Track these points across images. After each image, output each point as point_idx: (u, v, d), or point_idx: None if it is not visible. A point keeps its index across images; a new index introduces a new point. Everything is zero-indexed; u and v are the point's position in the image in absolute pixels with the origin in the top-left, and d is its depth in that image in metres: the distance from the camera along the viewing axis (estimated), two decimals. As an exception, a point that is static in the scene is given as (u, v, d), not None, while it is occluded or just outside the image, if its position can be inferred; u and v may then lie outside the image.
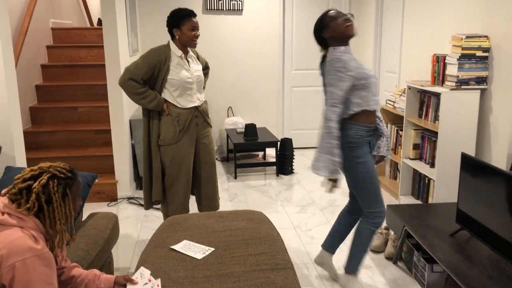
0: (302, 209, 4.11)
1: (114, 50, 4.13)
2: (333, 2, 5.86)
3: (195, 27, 2.99)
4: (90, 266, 2.27)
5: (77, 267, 1.93)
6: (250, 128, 5.06)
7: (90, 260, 2.27)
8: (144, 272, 1.99)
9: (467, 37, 3.25)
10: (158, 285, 1.92)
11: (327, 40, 2.57)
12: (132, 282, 1.91)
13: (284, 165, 5.10)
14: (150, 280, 1.94)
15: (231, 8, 5.64)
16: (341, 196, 4.41)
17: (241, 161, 5.43)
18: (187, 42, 3.00)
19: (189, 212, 3.19)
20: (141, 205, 4.23)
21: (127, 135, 4.37)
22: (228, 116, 5.94)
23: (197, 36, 3.01)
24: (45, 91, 5.01)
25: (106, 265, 2.58)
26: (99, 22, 6.87)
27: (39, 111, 4.81)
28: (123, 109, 4.25)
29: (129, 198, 4.38)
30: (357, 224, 2.73)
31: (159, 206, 4.10)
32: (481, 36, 3.26)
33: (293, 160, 5.19)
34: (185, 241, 2.33)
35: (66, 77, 5.27)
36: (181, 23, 2.96)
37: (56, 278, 1.64)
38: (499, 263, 2.40)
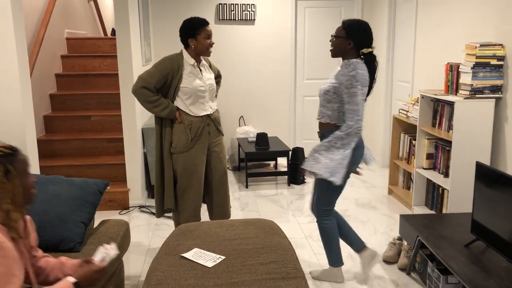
0: (313, 219, 4.08)
1: (127, 59, 4.17)
2: (345, 12, 5.86)
3: (210, 36, 3.02)
4: (101, 273, 2.27)
5: (46, 257, 1.92)
6: (262, 137, 5.05)
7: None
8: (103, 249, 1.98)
9: (481, 45, 3.22)
10: (112, 248, 1.96)
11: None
12: (90, 259, 1.91)
13: (295, 175, 5.07)
14: (106, 249, 1.96)
15: (243, 18, 5.67)
16: (353, 206, 4.36)
17: (253, 170, 5.42)
18: (202, 51, 3.02)
19: (201, 221, 3.18)
20: (153, 213, 4.23)
21: (139, 143, 4.40)
22: (239, 125, 5.94)
23: (212, 45, 3.04)
24: (59, 100, 5.07)
25: (117, 273, 2.57)
26: (113, 32, 6.96)
27: (53, 119, 4.86)
28: (135, 118, 4.28)
29: (140, 207, 4.39)
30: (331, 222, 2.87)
31: (170, 214, 4.10)
32: (495, 45, 3.22)
33: (305, 170, 5.15)
34: (195, 249, 2.31)
35: (80, 86, 5.33)
36: (197, 32, 2.98)
37: (21, 267, 1.60)
38: (516, 275, 2.34)
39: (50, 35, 5.10)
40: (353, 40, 2.63)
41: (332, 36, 2.72)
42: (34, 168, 3.03)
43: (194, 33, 2.98)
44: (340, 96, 2.63)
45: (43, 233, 2.26)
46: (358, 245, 2.94)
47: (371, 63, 2.66)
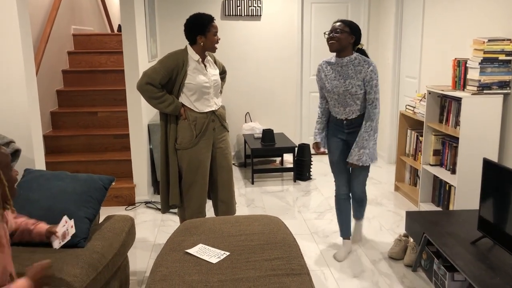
0: (319, 215, 4.07)
1: (133, 55, 4.17)
2: (352, 7, 5.82)
3: (217, 31, 3.02)
4: (105, 269, 2.27)
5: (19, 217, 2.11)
6: (268, 134, 5.04)
7: (105, 263, 2.27)
8: (65, 218, 2.15)
9: (489, 40, 3.19)
10: (72, 226, 2.14)
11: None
12: (54, 229, 2.11)
13: (301, 171, 5.06)
14: (66, 222, 2.14)
15: (250, 13, 5.65)
16: (360, 203, 4.34)
17: (258, 167, 5.41)
18: (210, 47, 3.03)
19: (206, 217, 3.18)
20: (159, 209, 4.24)
21: (145, 139, 4.40)
22: (245, 122, 5.93)
23: (218, 41, 3.04)
24: (66, 96, 5.09)
25: (122, 269, 2.58)
26: (119, 28, 6.96)
27: (59, 115, 4.88)
28: (141, 114, 4.28)
29: (146, 202, 4.40)
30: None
31: (176, 210, 4.11)
32: (504, 40, 3.18)
33: (311, 166, 5.14)
34: (200, 245, 2.31)
35: (87, 83, 5.35)
36: (206, 29, 2.97)
37: None
38: (523, 273, 2.31)
39: (57, 32, 5.11)
40: (356, 36, 2.95)
41: (333, 31, 2.94)
42: (40, 164, 3.05)
43: (203, 30, 2.98)
44: (364, 90, 2.99)
45: (49, 229, 2.27)
46: (346, 232, 3.33)
47: (364, 54, 3.05)
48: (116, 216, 2.68)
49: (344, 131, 3.13)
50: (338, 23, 2.94)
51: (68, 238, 2.12)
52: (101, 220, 2.89)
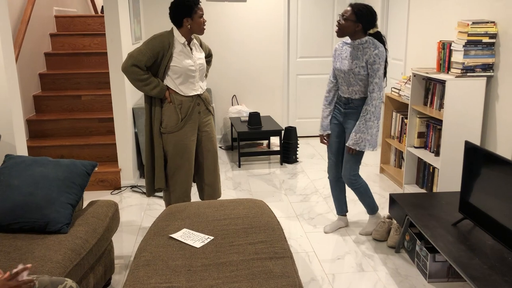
0: (305, 197, 4.09)
1: (116, 37, 4.10)
2: (338, -12, 5.76)
3: (203, 13, 2.98)
4: (89, 254, 2.27)
5: None
6: (254, 117, 5.03)
7: (88, 248, 2.27)
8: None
9: (473, 23, 3.19)
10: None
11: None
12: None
13: (288, 154, 5.07)
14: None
15: (235, -5, 5.57)
16: (345, 185, 4.38)
17: (245, 150, 5.41)
18: (197, 30, 3.00)
19: (191, 201, 3.19)
20: (144, 193, 4.23)
21: (130, 123, 4.36)
22: (232, 105, 5.90)
23: (205, 23, 3.00)
24: (49, 79, 5.01)
25: (106, 254, 2.58)
26: (103, 9, 6.82)
27: (43, 99, 4.81)
28: (125, 97, 4.24)
29: (132, 187, 4.38)
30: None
31: (161, 194, 4.10)
32: (488, 22, 3.19)
33: (297, 149, 5.16)
34: (184, 230, 2.32)
35: (70, 65, 5.26)
36: (193, 11, 2.93)
37: None
38: (502, 253, 2.36)
39: (38, 13, 5.00)
40: (362, 23, 2.96)
41: (340, 16, 3.01)
42: (21, 149, 3.01)
43: (190, 12, 2.94)
44: (367, 72, 3.01)
45: (30, 215, 2.25)
46: (345, 211, 3.47)
47: (379, 38, 3.04)
48: (99, 201, 2.67)
49: (341, 110, 3.19)
50: (348, 8, 2.99)
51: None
52: (84, 205, 2.88)
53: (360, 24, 2.96)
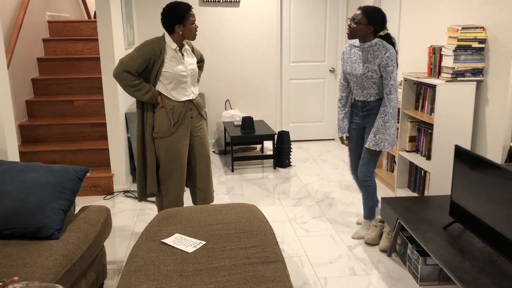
0: (298, 202, 4.10)
1: (109, 42, 4.11)
2: (331, -6, 5.80)
3: (195, 19, 3.00)
4: (80, 260, 2.27)
5: None
6: (247, 121, 5.04)
7: (80, 254, 2.26)
8: None
9: (463, 28, 3.22)
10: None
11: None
12: None
13: (281, 158, 5.08)
14: None
15: (228, 0, 5.60)
16: (337, 189, 4.39)
17: (239, 154, 5.42)
18: (189, 36, 3.01)
19: (184, 205, 3.19)
20: (137, 198, 4.22)
21: (122, 128, 4.36)
22: (225, 109, 5.92)
23: (197, 28, 3.02)
24: (42, 84, 5.00)
25: (98, 259, 2.58)
26: (96, 15, 6.82)
27: (35, 104, 4.80)
28: (118, 102, 4.24)
29: (125, 192, 4.38)
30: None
31: (153, 199, 4.10)
32: (477, 27, 3.22)
33: (291, 153, 5.17)
34: (176, 235, 2.32)
35: (63, 71, 5.25)
36: (185, 18, 2.95)
37: None
38: (491, 256, 2.39)
39: (31, 18, 4.99)
40: (374, 26, 3.00)
41: (350, 20, 3.04)
42: (13, 155, 3.00)
43: (181, 19, 2.95)
44: (380, 75, 3.06)
45: (21, 221, 2.25)
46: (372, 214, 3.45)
47: (389, 40, 3.08)
48: (91, 206, 2.66)
49: (360, 113, 3.26)
50: (358, 12, 3.01)
51: None
52: (77, 211, 2.87)
53: (372, 26, 2.99)
